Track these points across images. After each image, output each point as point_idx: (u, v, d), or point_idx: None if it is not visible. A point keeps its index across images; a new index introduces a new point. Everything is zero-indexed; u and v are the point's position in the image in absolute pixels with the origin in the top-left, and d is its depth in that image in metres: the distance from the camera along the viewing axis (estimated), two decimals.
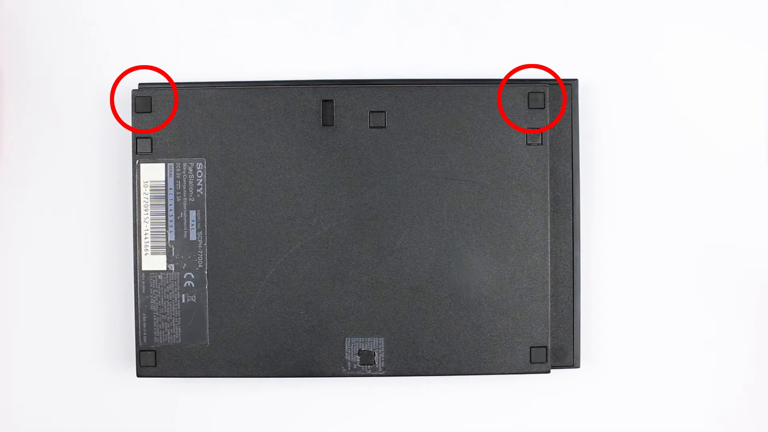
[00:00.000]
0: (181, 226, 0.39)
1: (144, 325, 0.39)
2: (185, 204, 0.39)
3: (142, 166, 0.39)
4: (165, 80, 0.41)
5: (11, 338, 0.41)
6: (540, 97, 0.39)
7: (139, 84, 0.40)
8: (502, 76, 0.41)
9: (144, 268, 0.39)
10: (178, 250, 0.39)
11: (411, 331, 0.39)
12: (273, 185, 0.39)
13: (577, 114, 0.40)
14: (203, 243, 0.39)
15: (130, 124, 0.40)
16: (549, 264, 0.39)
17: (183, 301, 0.39)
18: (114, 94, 0.41)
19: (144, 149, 0.39)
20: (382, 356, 0.39)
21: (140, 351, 0.39)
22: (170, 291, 0.39)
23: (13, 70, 0.41)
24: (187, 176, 0.39)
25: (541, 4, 0.42)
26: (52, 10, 0.41)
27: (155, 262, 0.39)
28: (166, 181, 0.39)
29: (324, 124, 0.39)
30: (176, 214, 0.39)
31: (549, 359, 0.39)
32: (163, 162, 0.39)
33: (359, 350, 0.39)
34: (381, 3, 0.41)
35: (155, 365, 0.39)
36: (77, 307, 0.41)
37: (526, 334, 0.39)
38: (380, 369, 0.39)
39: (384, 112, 0.39)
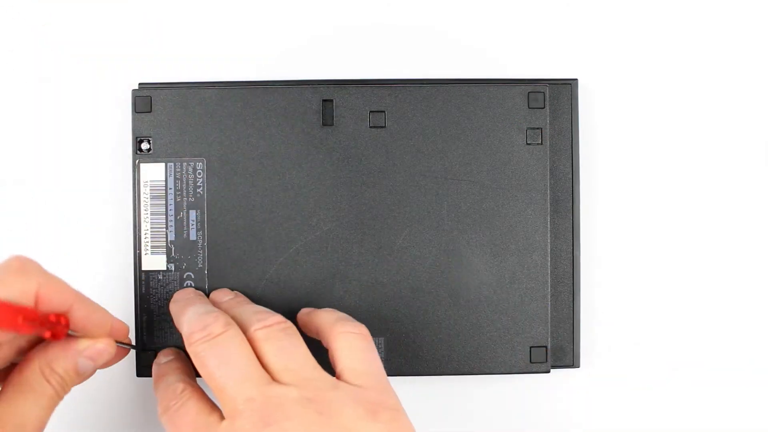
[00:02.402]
0: (181, 225, 0.39)
1: (144, 325, 0.39)
2: (185, 204, 0.39)
3: (142, 166, 0.39)
4: (165, 80, 0.41)
5: None
6: (540, 96, 0.39)
7: (139, 84, 0.40)
8: (502, 76, 0.41)
9: (144, 267, 0.39)
10: (178, 249, 0.39)
11: (411, 331, 0.39)
12: (273, 185, 0.39)
13: (577, 114, 0.40)
14: (203, 243, 0.39)
15: (129, 124, 0.40)
16: (549, 264, 0.39)
17: None
18: (114, 94, 0.41)
19: (144, 149, 0.39)
20: (382, 356, 0.39)
21: (140, 351, 0.39)
22: (170, 291, 0.39)
23: (9, 71, 0.41)
24: (187, 176, 0.39)
25: (541, 4, 0.42)
26: (50, 9, 0.41)
27: (155, 261, 0.39)
28: (166, 180, 0.39)
29: (324, 124, 0.39)
30: (176, 213, 0.39)
31: (549, 359, 0.39)
32: (163, 162, 0.39)
33: None
34: (381, 3, 0.41)
35: None
36: None
37: (526, 334, 0.39)
38: None
39: (384, 112, 0.39)
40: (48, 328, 0.30)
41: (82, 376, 0.33)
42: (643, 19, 0.42)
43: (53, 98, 0.41)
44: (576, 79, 0.41)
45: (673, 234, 0.42)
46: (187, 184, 0.39)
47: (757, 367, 0.42)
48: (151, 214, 0.39)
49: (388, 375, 0.39)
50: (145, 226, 0.39)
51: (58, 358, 0.32)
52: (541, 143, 0.39)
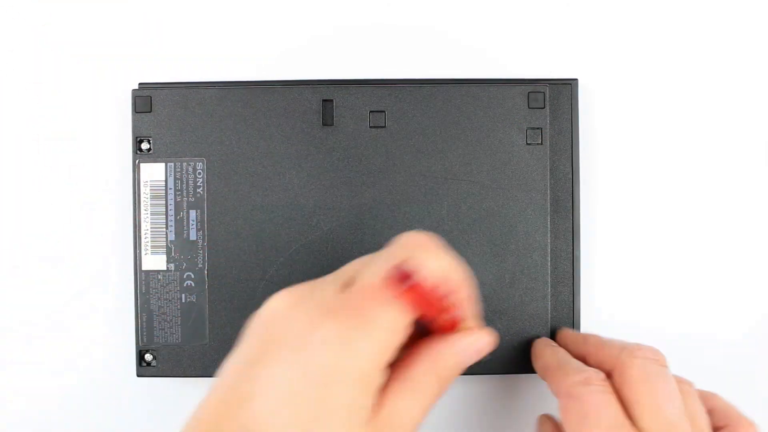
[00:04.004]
0: (181, 225, 0.39)
1: (144, 325, 0.39)
2: (185, 204, 0.39)
3: (142, 166, 0.39)
4: (165, 80, 0.41)
5: (11, 337, 0.41)
6: (540, 96, 0.39)
7: (139, 84, 0.40)
8: (502, 76, 0.41)
9: (144, 267, 0.39)
10: (178, 249, 0.39)
11: None
12: (273, 185, 0.39)
13: (577, 114, 0.40)
14: (203, 243, 0.39)
15: (129, 124, 0.40)
16: (549, 264, 0.39)
17: (183, 300, 0.39)
18: (114, 94, 0.41)
19: (144, 149, 0.39)
20: None
21: (140, 351, 0.39)
22: (170, 291, 0.39)
23: (9, 71, 0.41)
24: (187, 176, 0.39)
25: (541, 4, 0.42)
26: (50, 9, 0.41)
27: (155, 261, 0.39)
28: (166, 180, 0.39)
29: (324, 124, 0.39)
30: (176, 213, 0.39)
31: None
32: (163, 162, 0.39)
33: None
34: (381, 3, 0.41)
35: (155, 365, 0.39)
36: (77, 307, 0.41)
37: (526, 334, 0.39)
38: None
39: (384, 112, 0.39)
40: (446, 318, 0.29)
41: (461, 371, 0.30)
42: (643, 19, 0.42)
43: (53, 98, 0.41)
44: (576, 79, 0.41)
45: (673, 234, 0.42)
46: (187, 184, 0.39)
47: (758, 368, 0.42)
48: (151, 214, 0.39)
49: None
50: (145, 226, 0.39)
51: (446, 356, 0.29)
52: (541, 143, 0.39)
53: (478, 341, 0.30)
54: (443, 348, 0.29)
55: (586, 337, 0.37)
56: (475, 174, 0.39)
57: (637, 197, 0.42)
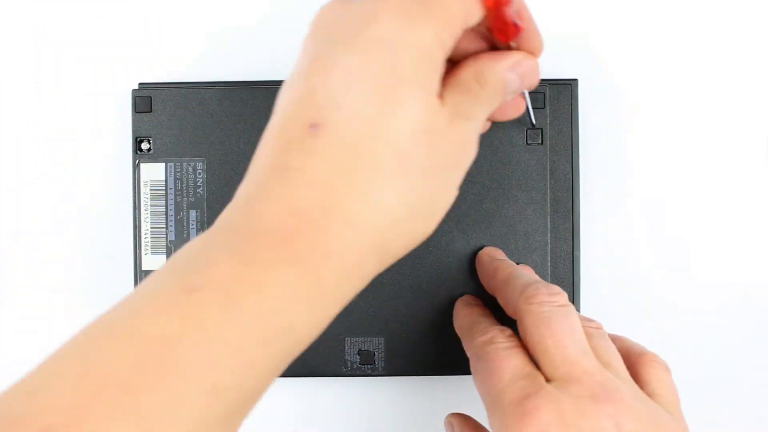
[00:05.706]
0: (181, 225, 0.39)
1: None
2: (185, 204, 0.39)
3: (142, 166, 0.39)
4: (165, 80, 0.41)
5: (10, 338, 0.41)
6: (540, 97, 0.39)
7: (139, 84, 0.40)
8: None
9: (144, 267, 0.39)
10: (178, 249, 0.39)
11: (411, 331, 0.39)
12: None
13: (577, 114, 0.40)
14: None
15: (129, 124, 0.40)
16: (549, 264, 0.39)
17: None
18: (114, 94, 0.41)
19: (144, 149, 0.39)
20: (382, 356, 0.39)
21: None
22: None
23: (9, 71, 0.42)
24: (187, 176, 0.39)
25: (541, 4, 0.41)
26: (50, 9, 0.41)
27: (155, 261, 0.39)
28: (166, 180, 0.39)
29: None
30: (176, 213, 0.39)
31: None
32: (163, 162, 0.39)
33: (359, 350, 0.39)
34: None
35: None
36: (77, 307, 0.41)
37: None
38: (380, 369, 0.39)
39: None
40: (504, 26, 0.29)
41: (506, 92, 0.30)
42: (644, 19, 0.42)
43: (53, 98, 0.41)
44: (576, 79, 0.41)
45: (673, 234, 0.42)
46: (187, 184, 0.39)
47: (758, 373, 0.42)
48: (151, 214, 0.39)
49: (388, 375, 0.40)
50: (145, 226, 0.39)
51: (489, 67, 0.29)
52: (541, 143, 0.39)
53: (521, 61, 0.29)
54: (485, 59, 0.29)
55: (496, 270, 0.36)
56: (475, 174, 0.39)
57: (637, 197, 0.42)
